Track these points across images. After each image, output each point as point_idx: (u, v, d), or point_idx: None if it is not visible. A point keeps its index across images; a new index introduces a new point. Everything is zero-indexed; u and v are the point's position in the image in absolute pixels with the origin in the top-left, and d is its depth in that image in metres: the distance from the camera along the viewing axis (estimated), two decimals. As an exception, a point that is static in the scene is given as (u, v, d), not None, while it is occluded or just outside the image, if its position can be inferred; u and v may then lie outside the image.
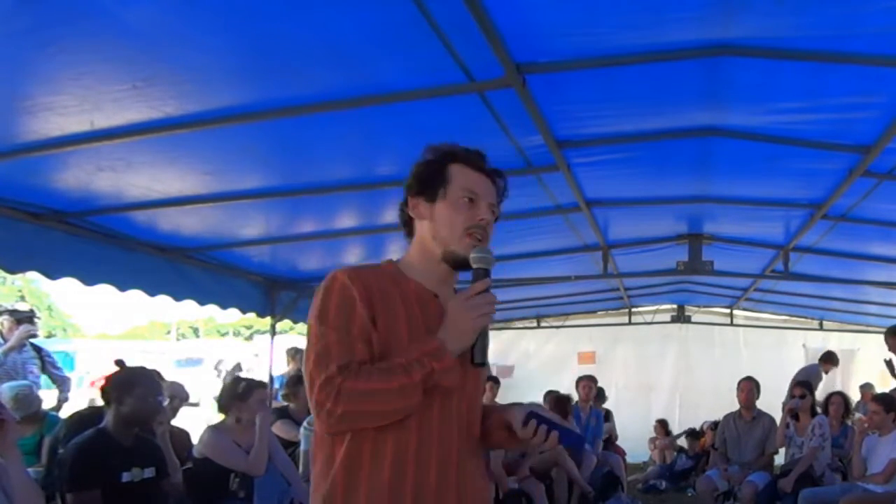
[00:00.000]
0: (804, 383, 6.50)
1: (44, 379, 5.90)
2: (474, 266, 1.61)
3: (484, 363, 1.62)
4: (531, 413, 1.60)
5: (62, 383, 5.99)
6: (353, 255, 5.72)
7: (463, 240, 1.63)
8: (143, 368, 3.49)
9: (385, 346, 1.54)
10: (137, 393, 3.21)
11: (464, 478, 1.60)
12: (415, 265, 1.69)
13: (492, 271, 1.62)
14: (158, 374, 3.59)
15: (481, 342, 1.59)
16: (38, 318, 5.88)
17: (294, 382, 5.56)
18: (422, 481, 1.53)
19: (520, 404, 1.70)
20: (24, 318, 5.60)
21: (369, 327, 1.53)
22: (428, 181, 1.67)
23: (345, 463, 1.53)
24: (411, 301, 1.61)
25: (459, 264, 1.65)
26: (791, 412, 6.07)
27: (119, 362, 3.51)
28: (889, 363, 6.89)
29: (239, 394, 3.92)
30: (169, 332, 44.65)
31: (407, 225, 1.75)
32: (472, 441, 1.66)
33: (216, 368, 11.14)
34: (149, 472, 3.22)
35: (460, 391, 1.61)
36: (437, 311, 1.62)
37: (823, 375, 8.39)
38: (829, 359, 8.50)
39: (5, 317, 5.61)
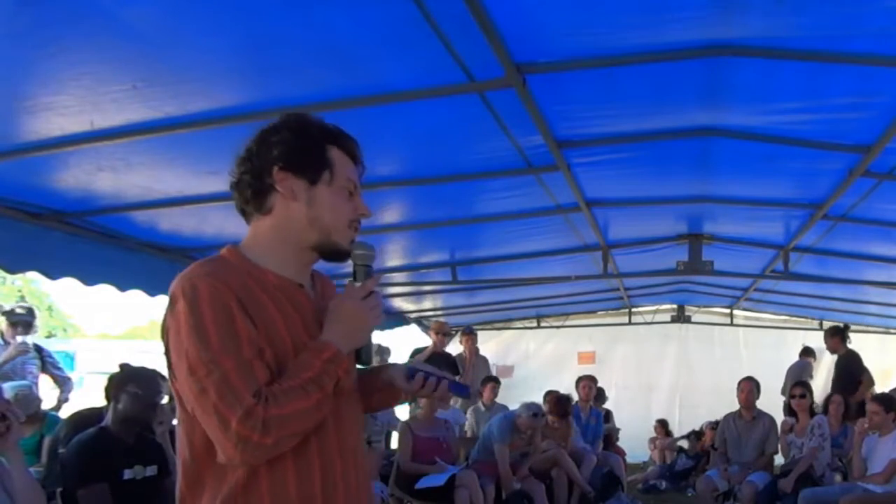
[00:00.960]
0: (803, 383, 6.50)
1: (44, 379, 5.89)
2: (358, 262, 1.51)
3: (370, 363, 1.56)
4: (412, 368, 1.58)
5: (63, 383, 5.99)
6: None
7: (346, 231, 1.50)
8: (142, 368, 3.49)
9: (272, 352, 1.38)
10: (130, 390, 3.23)
11: (362, 472, 1.54)
12: (267, 251, 1.47)
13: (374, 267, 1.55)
14: (159, 373, 3.59)
15: (369, 342, 1.53)
16: (36, 319, 5.85)
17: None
18: (330, 487, 1.44)
19: (394, 364, 1.66)
20: (21, 321, 5.58)
21: (257, 339, 1.35)
22: (309, 160, 1.47)
23: (242, 483, 1.37)
24: (276, 295, 1.43)
25: (336, 255, 1.51)
26: (789, 427, 6.10)
27: (123, 365, 3.52)
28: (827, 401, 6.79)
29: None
30: (169, 332, 44.57)
31: (257, 196, 1.47)
32: (360, 433, 1.62)
33: None
34: (151, 471, 3.23)
35: (350, 388, 1.53)
36: (306, 303, 1.49)
37: (813, 366, 8.73)
38: (809, 352, 8.86)
39: (2, 318, 5.60)
